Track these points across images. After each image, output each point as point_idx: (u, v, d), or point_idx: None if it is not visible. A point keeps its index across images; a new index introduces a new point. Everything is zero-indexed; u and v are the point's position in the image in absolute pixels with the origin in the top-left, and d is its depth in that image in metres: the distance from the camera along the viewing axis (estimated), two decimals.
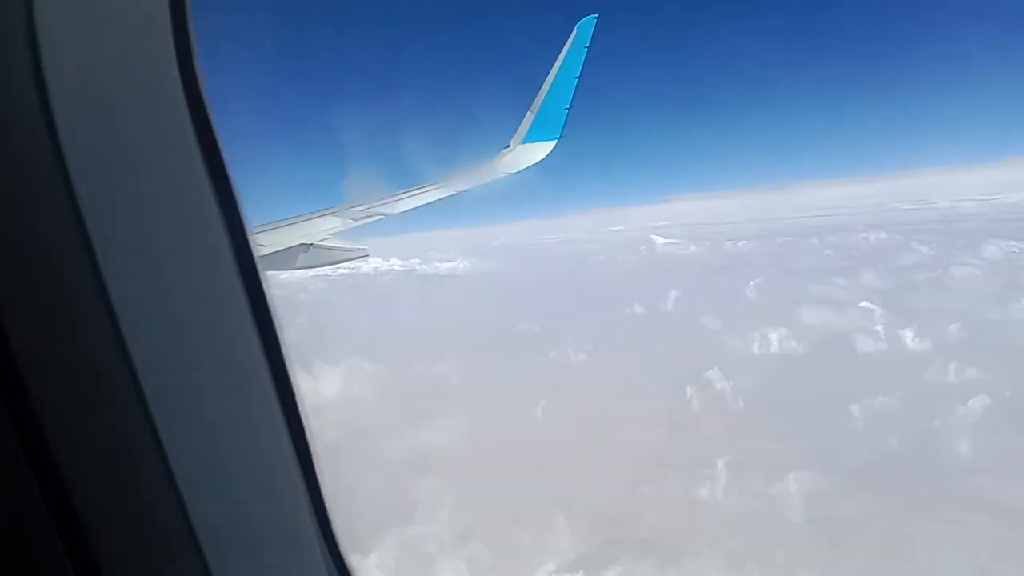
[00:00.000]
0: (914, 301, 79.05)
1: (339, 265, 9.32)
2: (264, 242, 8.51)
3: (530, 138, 11.85)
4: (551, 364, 71.53)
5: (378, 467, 49.96)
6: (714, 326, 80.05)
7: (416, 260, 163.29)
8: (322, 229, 9.06)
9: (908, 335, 68.46)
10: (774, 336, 72.50)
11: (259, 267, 1.72)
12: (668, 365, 66.97)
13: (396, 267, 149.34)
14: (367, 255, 8.84)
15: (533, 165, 11.53)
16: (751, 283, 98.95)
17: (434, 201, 10.07)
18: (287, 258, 8.55)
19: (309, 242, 8.72)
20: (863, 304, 79.82)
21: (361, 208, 9.63)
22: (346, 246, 8.88)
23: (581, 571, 37.57)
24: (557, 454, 49.37)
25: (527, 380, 65.89)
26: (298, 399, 2.15)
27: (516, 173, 11.27)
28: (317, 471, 2.22)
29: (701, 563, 37.35)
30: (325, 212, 9.50)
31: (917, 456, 45.83)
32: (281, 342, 1.98)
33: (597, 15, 11.42)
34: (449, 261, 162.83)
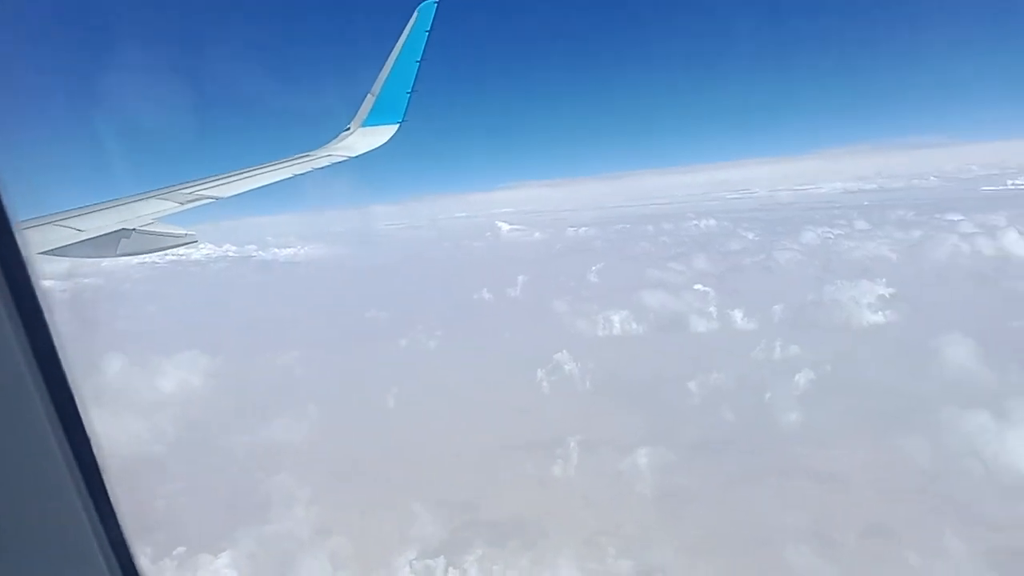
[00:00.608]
0: (742, 283, 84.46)
1: (166, 252, 8.70)
2: (80, 227, 7.86)
3: (371, 121, 11.63)
4: (401, 351, 71.15)
5: (228, 464, 47.93)
6: (560, 310, 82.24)
7: (252, 246, 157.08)
8: (146, 213, 8.45)
9: (738, 315, 73.02)
10: (616, 319, 75.44)
11: (26, 256, 1.56)
12: (517, 349, 68.24)
13: (230, 254, 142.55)
14: (195, 241, 8.29)
15: (375, 149, 11.31)
16: (593, 268, 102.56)
17: (269, 184, 9.62)
18: (106, 244, 7.92)
19: (131, 227, 8.11)
20: (697, 287, 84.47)
21: (189, 190, 9.07)
22: (172, 231, 8.30)
23: (442, 556, 37.71)
24: (411, 442, 49.10)
25: (378, 368, 65.12)
26: (77, 401, 1.99)
27: (357, 157, 11.00)
28: (102, 478, 2.04)
29: (554, 540, 38.33)
30: (149, 194, 8.88)
31: (750, 427, 48.85)
32: (54, 340, 1.82)
33: (437, 1, 11.32)
34: (289, 247, 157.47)
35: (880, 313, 70.39)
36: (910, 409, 46.92)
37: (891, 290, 74.46)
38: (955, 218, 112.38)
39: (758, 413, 50.86)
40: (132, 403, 56.29)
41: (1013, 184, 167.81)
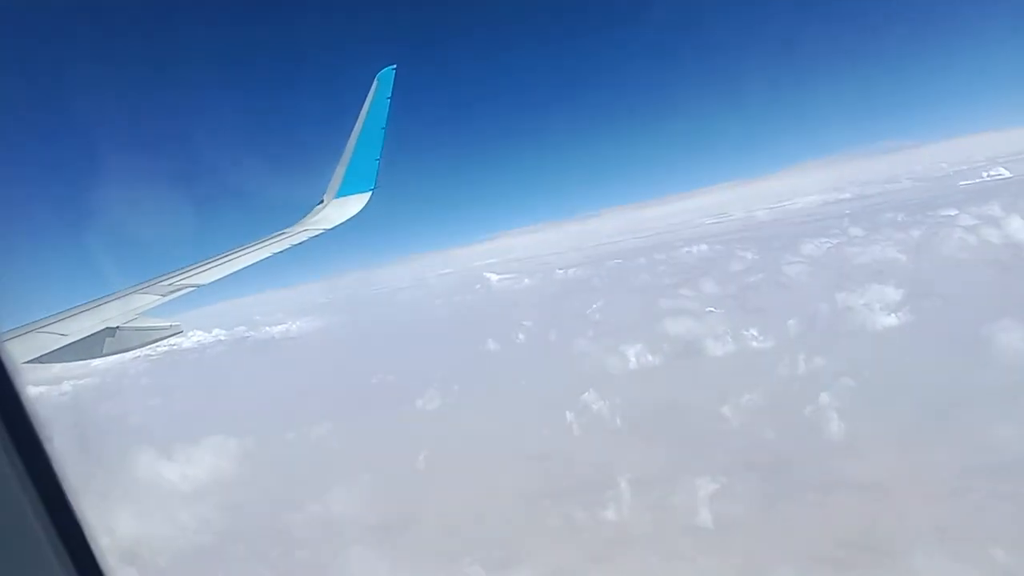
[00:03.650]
0: (758, 301, 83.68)
1: (156, 345, 8.75)
2: (63, 331, 7.93)
3: (343, 192, 11.80)
4: (420, 412, 70.28)
5: (287, 544, 47.07)
6: (573, 351, 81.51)
7: (242, 328, 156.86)
8: (129, 309, 8.53)
9: (757, 333, 72.17)
10: (632, 352, 74.41)
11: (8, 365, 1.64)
12: (538, 395, 67.26)
13: (222, 337, 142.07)
14: (181, 331, 8.35)
15: (351, 219, 11.45)
16: (594, 306, 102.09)
17: (249, 266, 9.72)
18: (92, 345, 7.98)
19: (115, 325, 8.18)
20: (710, 310, 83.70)
21: (169, 281, 9.17)
22: (157, 324, 8.37)
23: None
24: (458, 501, 48.16)
25: (402, 432, 64.22)
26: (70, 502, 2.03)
27: (333, 228, 11.13)
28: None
29: None
30: (130, 290, 8.98)
31: (796, 444, 47.59)
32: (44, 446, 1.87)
33: (395, 66, 11.58)
34: (279, 324, 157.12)
35: (907, 313, 69.45)
36: (967, 403, 46.20)
37: (912, 289, 73.84)
38: (950, 213, 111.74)
39: (800, 428, 49.88)
40: (169, 496, 55.76)
41: (989, 176, 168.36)
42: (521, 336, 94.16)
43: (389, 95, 11.54)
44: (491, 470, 52.21)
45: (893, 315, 69.48)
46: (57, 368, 8.02)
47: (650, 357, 73.59)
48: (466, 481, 51.10)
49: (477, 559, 41.25)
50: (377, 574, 41.91)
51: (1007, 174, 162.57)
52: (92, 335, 7.92)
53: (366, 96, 11.68)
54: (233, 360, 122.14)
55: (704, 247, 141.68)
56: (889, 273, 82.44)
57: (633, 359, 73.63)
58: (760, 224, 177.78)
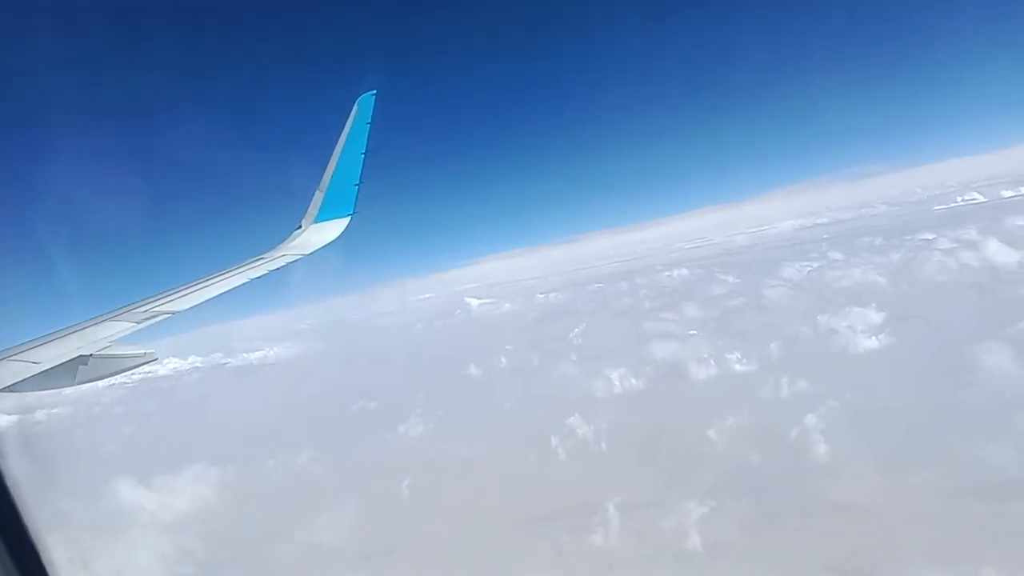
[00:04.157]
0: (742, 325, 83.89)
1: (132, 372, 8.58)
2: (35, 359, 7.76)
3: (322, 217, 11.74)
4: (403, 439, 69.69)
5: (274, 574, 46.22)
6: (556, 375, 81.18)
7: (219, 354, 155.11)
8: (102, 337, 8.37)
9: (743, 357, 72.32)
10: (616, 376, 74.18)
11: None
12: (522, 420, 66.92)
13: (198, 364, 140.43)
14: (156, 359, 8.19)
15: (329, 244, 11.36)
16: (576, 330, 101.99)
17: (226, 292, 9.59)
18: (64, 373, 7.81)
19: (88, 353, 8.02)
20: (692, 333, 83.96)
21: (144, 308, 9.02)
22: (131, 352, 8.21)
23: None
24: (444, 527, 47.71)
25: (384, 458, 63.60)
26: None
27: (311, 253, 11.03)
28: None
29: None
30: (103, 317, 8.82)
31: (783, 466, 47.75)
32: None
33: (375, 91, 11.58)
34: (257, 350, 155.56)
35: (889, 335, 70.07)
36: (949, 424, 46.74)
37: (894, 312, 74.50)
38: (928, 236, 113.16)
39: (785, 451, 49.86)
40: (149, 526, 54.81)
41: (963, 200, 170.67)
42: (503, 361, 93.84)
43: (369, 120, 11.53)
44: (477, 496, 51.83)
45: (874, 338, 70.10)
46: (30, 397, 7.86)
47: (634, 381, 73.56)
48: (452, 507, 50.69)
49: None
50: None
51: (981, 199, 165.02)
52: (65, 363, 7.77)
53: (346, 121, 11.69)
54: (210, 387, 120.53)
55: (685, 271, 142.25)
56: (870, 296, 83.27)
57: (617, 383, 73.53)
58: (739, 248, 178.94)
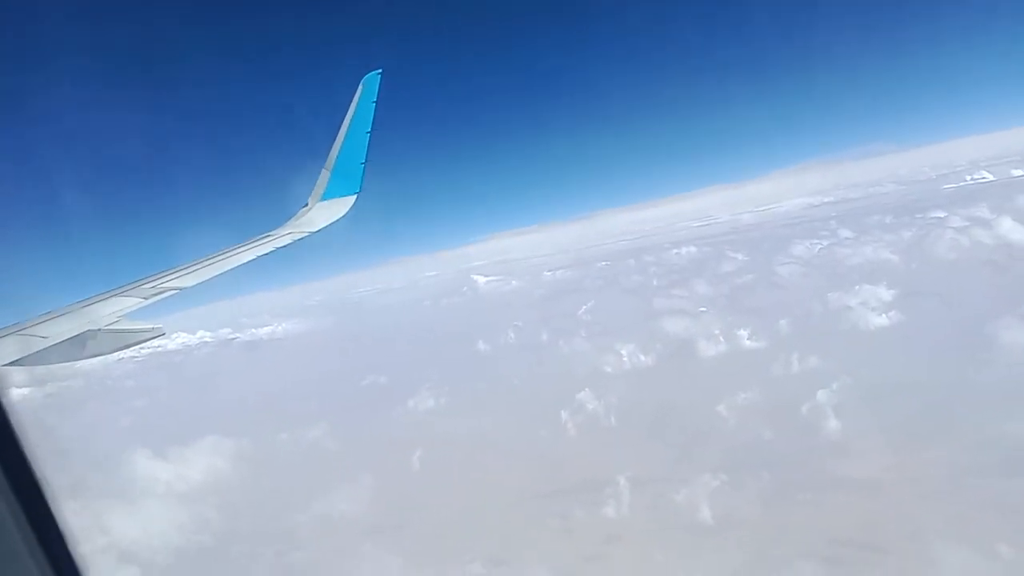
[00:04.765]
0: (756, 301, 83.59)
1: (141, 346, 8.72)
2: (44, 333, 7.90)
3: (328, 195, 11.82)
4: (413, 413, 70.13)
5: (289, 544, 46.92)
6: (565, 351, 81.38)
7: (227, 330, 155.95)
8: (111, 312, 8.50)
9: (748, 333, 72.05)
10: (625, 351, 74.21)
11: None
12: (531, 395, 67.16)
13: (207, 339, 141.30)
14: (163, 334, 8.32)
15: (336, 221, 11.45)
16: (584, 307, 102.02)
17: (233, 268, 9.71)
18: (74, 348, 7.96)
19: (96, 327, 8.15)
20: (702, 310, 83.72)
21: (152, 284, 9.14)
22: (139, 326, 8.34)
23: None
24: (458, 501, 48.17)
25: (395, 432, 64.05)
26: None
27: (318, 231, 11.13)
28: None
29: None
30: (111, 293, 8.94)
31: (793, 442, 47.72)
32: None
33: (381, 70, 11.61)
34: (266, 326, 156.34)
35: (902, 312, 69.68)
36: (962, 401, 46.67)
37: (906, 289, 74.21)
38: (939, 215, 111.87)
39: (796, 426, 49.80)
40: (165, 496, 55.56)
41: (972, 180, 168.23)
42: (512, 337, 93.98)
43: (375, 99, 11.57)
44: (487, 470, 52.17)
45: (886, 315, 69.75)
46: (40, 370, 8.01)
47: (644, 357, 73.54)
48: (463, 482, 51.08)
49: (477, 557, 41.30)
50: (378, 574, 41.91)
51: (990, 177, 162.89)
52: (74, 337, 7.90)
53: (352, 99, 11.74)
54: (220, 362, 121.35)
55: (693, 249, 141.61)
56: (882, 273, 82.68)
57: (627, 359, 73.54)
58: (747, 227, 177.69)
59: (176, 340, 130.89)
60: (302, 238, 10.85)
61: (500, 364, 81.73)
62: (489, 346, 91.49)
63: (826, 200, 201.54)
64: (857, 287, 77.49)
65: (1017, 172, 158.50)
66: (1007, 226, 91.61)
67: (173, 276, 9.42)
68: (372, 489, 52.13)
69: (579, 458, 51.89)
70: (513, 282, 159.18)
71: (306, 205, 11.98)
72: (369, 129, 11.55)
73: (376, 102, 11.61)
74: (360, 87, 11.73)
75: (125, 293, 8.91)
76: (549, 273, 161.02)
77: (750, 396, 56.07)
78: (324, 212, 11.62)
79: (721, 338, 73.18)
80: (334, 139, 11.85)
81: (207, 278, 9.46)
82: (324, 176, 11.92)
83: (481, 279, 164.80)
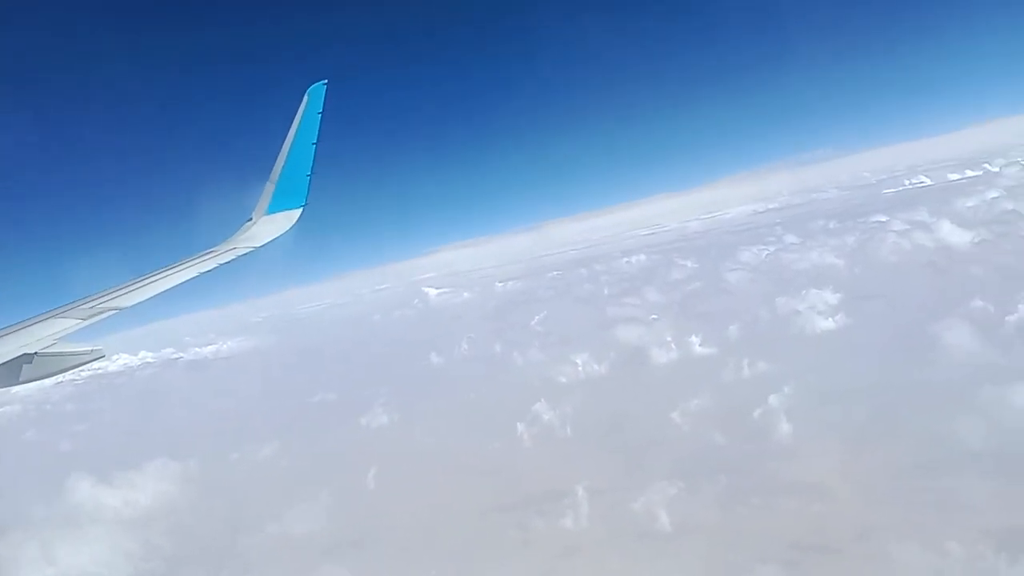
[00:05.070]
0: (705, 307, 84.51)
1: (80, 369, 8.41)
2: None
3: (273, 208, 11.58)
4: (366, 429, 69.19)
5: (244, 566, 45.64)
6: (518, 362, 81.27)
7: (170, 349, 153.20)
8: (47, 334, 8.16)
9: (699, 339, 72.82)
10: (579, 361, 74.33)
11: None
12: (486, 408, 66.68)
13: (150, 360, 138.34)
14: (103, 356, 8.03)
15: (280, 236, 11.21)
16: (537, 317, 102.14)
17: (175, 287, 9.42)
18: (8, 372, 7.62)
19: (32, 351, 7.82)
20: (653, 318, 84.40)
21: (90, 304, 8.82)
22: (77, 349, 8.04)
23: None
24: (414, 517, 47.36)
25: (348, 449, 63.09)
26: None
27: (262, 246, 10.87)
28: None
29: None
30: (47, 315, 8.61)
31: (748, 446, 48.04)
32: None
33: (326, 81, 11.44)
34: (210, 344, 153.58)
35: (847, 316, 71.00)
36: (911, 403, 47.24)
37: (852, 292, 75.83)
38: (881, 219, 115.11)
39: (749, 431, 50.20)
40: (112, 523, 53.99)
41: (911, 184, 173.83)
42: (465, 349, 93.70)
43: (320, 110, 11.39)
44: (444, 485, 51.73)
45: (832, 319, 71.15)
46: None
47: (597, 366, 73.84)
48: (420, 497, 50.54)
49: (440, 574, 40.78)
50: None
51: (928, 182, 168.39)
52: (8, 361, 7.58)
53: (296, 112, 11.53)
54: (164, 382, 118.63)
55: (643, 257, 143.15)
56: (828, 277, 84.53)
57: (581, 368, 73.77)
58: (694, 234, 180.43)
59: (117, 362, 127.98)
60: (246, 253, 10.57)
61: (454, 377, 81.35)
62: (442, 359, 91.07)
63: (771, 206, 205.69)
64: (804, 292, 79.09)
65: (954, 176, 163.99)
66: (946, 229, 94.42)
67: (112, 296, 9.10)
68: (327, 508, 51.36)
69: (536, 470, 51.76)
70: (464, 294, 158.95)
71: (250, 219, 11.73)
72: (315, 141, 11.37)
73: (321, 113, 11.42)
74: (305, 98, 11.54)
75: (62, 314, 8.59)
76: (500, 284, 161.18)
77: (703, 402, 56.59)
78: (268, 226, 11.37)
79: (673, 345, 73.83)
80: (278, 151, 11.63)
81: (148, 297, 9.16)
82: (268, 189, 11.67)
83: (432, 291, 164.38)
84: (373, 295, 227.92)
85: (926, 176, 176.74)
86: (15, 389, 8.00)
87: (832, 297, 75.82)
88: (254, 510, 52.62)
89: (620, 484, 46.54)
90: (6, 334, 8.19)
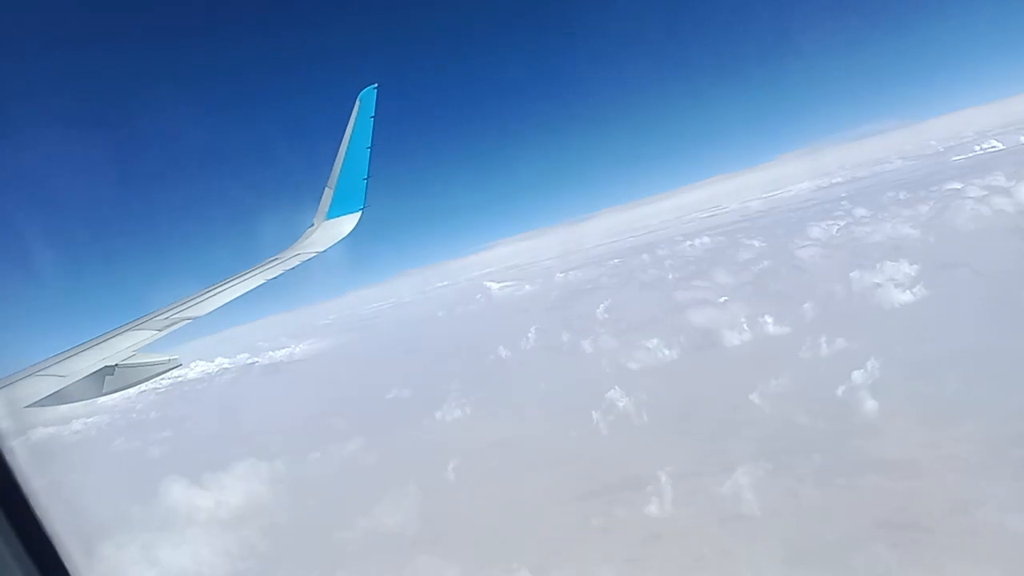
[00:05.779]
0: (780, 287, 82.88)
1: (160, 378, 8.74)
2: (61, 372, 7.91)
3: (333, 213, 11.80)
4: (442, 423, 70.24)
5: (338, 561, 46.81)
6: (588, 350, 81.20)
7: (245, 355, 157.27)
8: (125, 347, 8.50)
9: (774, 319, 71.43)
10: (650, 346, 73.90)
11: None
12: (558, 397, 66.95)
13: (226, 365, 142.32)
14: (179, 364, 8.34)
15: (342, 240, 11.44)
16: (602, 305, 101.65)
17: (244, 294, 9.71)
18: (91, 385, 7.95)
19: (113, 363, 8.16)
20: (724, 299, 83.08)
21: (165, 316, 9.16)
22: (155, 359, 8.35)
23: None
24: (497, 507, 47.88)
25: (427, 444, 64.13)
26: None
27: (325, 250, 11.11)
28: None
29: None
30: (125, 327, 8.96)
31: (829, 426, 47.35)
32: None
33: (377, 85, 11.59)
34: (282, 348, 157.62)
35: (928, 287, 68.97)
36: (1007, 371, 45.69)
37: (933, 262, 73.52)
38: (954, 186, 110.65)
39: (832, 409, 49.30)
40: (208, 523, 55.85)
41: (982, 149, 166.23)
42: (532, 340, 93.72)
43: (372, 114, 11.56)
44: (524, 475, 51.94)
45: (910, 291, 69.04)
46: (63, 408, 8.02)
47: (669, 351, 73.10)
48: (501, 488, 50.89)
49: (523, 563, 40.92)
50: None
51: (1000, 146, 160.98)
52: (91, 374, 7.91)
53: (349, 117, 11.73)
54: (242, 386, 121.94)
55: (706, 239, 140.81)
56: (905, 249, 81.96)
57: (653, 354, 73.12)
58: (757, 213, 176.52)
59: (195, 369, 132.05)
60: (310, 259, 10.83)
61: (524, 368, 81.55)
62: (510, 351, 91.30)
63: (834, 181, 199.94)
64: (879, 265, 76.69)
65: None
66: None
67: (185, 306, 9.43)
68: (413, 501, 52.06)
69: (615, 457, 51.50)
70: (526, 286, 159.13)
71: (312, 225, 12.00)
72: (369, 144, 11.54)
73: (374, 116, 11.58)
74: (357, 103, 11.72)
75: (138, 327, 8.93)
76: (561, 274, 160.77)
77: (782, 382, 55.52)
78: (329, 231, 11.61)
79: (746, 326, 72.62)
80: (335, 157, 11.86)
81: (219, 305, 9.46)
82: (327, 195, 11.92)
83: (494, 285, 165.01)
84: (435, 292, 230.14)
85: (997, 140, 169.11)
86: (100, 400, 8.35)
87: (910, 269, 73.38)
88: (343, 506, 53.71)
89: (704, 469, 46.02)
90: (87, 348, 8.54)
